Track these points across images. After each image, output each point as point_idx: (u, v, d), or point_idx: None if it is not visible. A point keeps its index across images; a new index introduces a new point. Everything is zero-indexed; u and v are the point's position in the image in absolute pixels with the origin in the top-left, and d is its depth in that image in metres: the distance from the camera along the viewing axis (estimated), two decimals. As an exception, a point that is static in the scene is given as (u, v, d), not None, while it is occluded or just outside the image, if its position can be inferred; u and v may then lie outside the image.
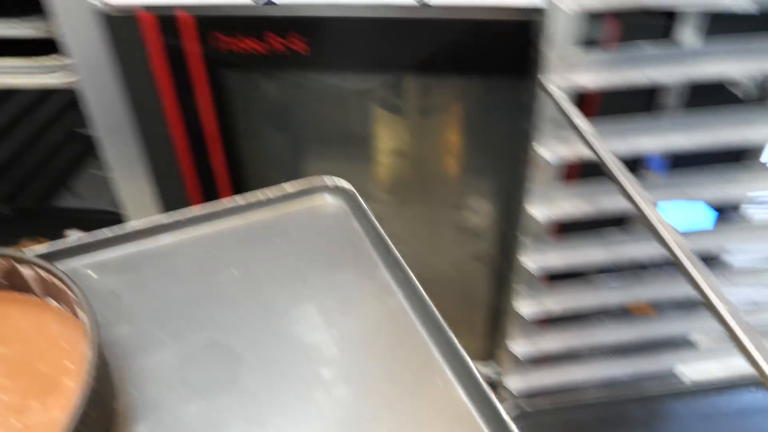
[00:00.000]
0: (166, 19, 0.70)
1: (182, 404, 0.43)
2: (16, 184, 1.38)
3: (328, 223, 0.58)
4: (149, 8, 0.70)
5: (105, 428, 0.39)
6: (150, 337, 0.48)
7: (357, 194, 0.59)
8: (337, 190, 0.61)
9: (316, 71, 0.75)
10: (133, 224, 0.55)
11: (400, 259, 0.51)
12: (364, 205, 0.58)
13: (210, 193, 0.85)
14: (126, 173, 0.87)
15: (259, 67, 0.73)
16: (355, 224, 0.58)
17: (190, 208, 0.57)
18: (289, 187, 0.60)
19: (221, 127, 0.79)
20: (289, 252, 0.55)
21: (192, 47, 0.72)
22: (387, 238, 0.54)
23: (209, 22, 0.70)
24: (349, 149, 0.84)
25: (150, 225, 0.56)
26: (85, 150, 1.56)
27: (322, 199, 0.61)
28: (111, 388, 0.42)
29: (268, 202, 0.60)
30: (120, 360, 0.45)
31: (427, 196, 0.86)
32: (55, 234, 1.47)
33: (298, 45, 0.71)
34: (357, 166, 0.85)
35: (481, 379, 0.41)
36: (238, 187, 0.84)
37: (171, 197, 0.87)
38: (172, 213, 0.57)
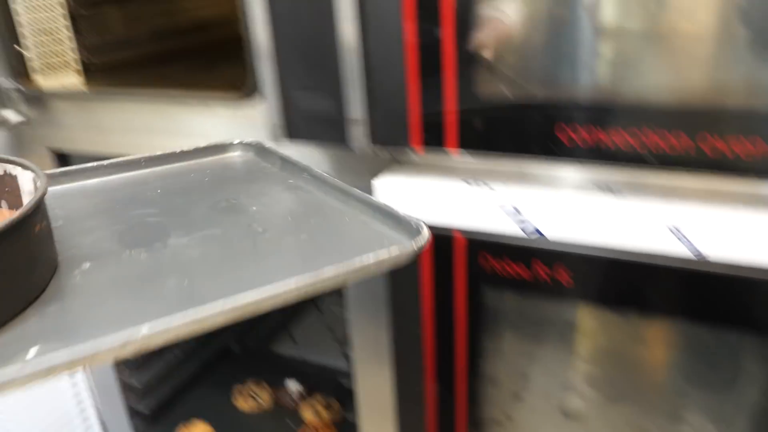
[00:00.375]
0: (442, 238, 0.75)
1: (122, 252, 0.49)
2: (247, 324, 1.47)
3: (239, 165, 0.70)
4: (429, 226, 0.72)
5: (49, 264, 0.45)
6: (84, 225, 0.54)
7: (265, 143, 0.70)
8: (247, 146, 0.72)
9: (576, 302, 0.76)
10: (60, 169, 0.63)
11: (310, 167, 0.62)
12: (273, 146, 0.68)
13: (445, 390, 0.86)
14: (368, 354, 0.95)
15: (519, 290, 0.76)
16: (264, 164, 0.69)
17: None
18: (202, 144, 0.71)
19: (470, 339, 0.81)
20: (206, 180, 0.65)
21: (460, 263, 0.76)
22: (294, 159, 0.64)
23: (481, 245, 0.74)
24: (558, 338, 0.83)
25: (73, 169, 0.64)
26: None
27: (234, 152, 0.72)
28: (52, 239, 0.47)
29: (183, 155, 0.69)
30: (58, 240, 0.49)
31: (638, 400, 0.81)
32: (277, 380, 1.55)
33: (563, 277, 0.72)
34: (566, 356, 0.83)
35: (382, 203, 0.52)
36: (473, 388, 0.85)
37: (407, 387, 0.88)
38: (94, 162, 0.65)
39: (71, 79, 1.20)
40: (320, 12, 0.74)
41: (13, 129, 1.21)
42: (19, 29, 1.13)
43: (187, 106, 0.99)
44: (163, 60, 1.41)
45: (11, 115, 1.17)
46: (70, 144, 1.17)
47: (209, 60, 1.49)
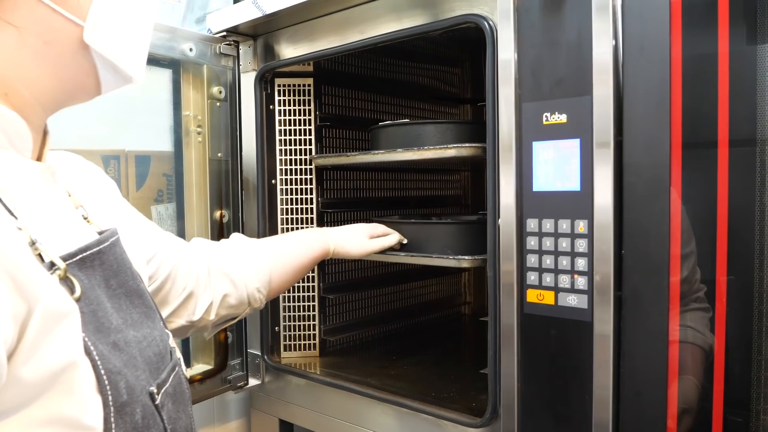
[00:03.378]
0: None
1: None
2: None
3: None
4: None
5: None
6: None
7: None
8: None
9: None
10: None
11: None
12: None
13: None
14: None
15: None
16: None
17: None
18: None
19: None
20: None
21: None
22: None
23: None
24: None
25: None
26: None
27: None
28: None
29: None
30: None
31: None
32: None
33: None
34: None
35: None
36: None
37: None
38: None
39: (310, 354, 1.33)
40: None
41: (252, 392, 1.34)
42: (282, 314, 1.31)
43: (418, 416, 1.04)
44: (389, 339, 1.53)
45: (253, 381, 1.31)
46: (296, 418, 1.26)
47: (433, 336, 1.58)
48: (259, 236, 1.27)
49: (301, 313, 1.33)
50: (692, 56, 0.71)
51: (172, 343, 0.63)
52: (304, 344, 1.34)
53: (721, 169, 0.70)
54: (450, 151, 1.06)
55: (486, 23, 0.89)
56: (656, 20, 0.71)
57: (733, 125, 0.70)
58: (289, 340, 1.33)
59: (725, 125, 0.70)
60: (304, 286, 1.33)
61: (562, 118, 0.79)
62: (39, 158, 0.56)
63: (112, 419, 0.47)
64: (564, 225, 0.80)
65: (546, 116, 0.81)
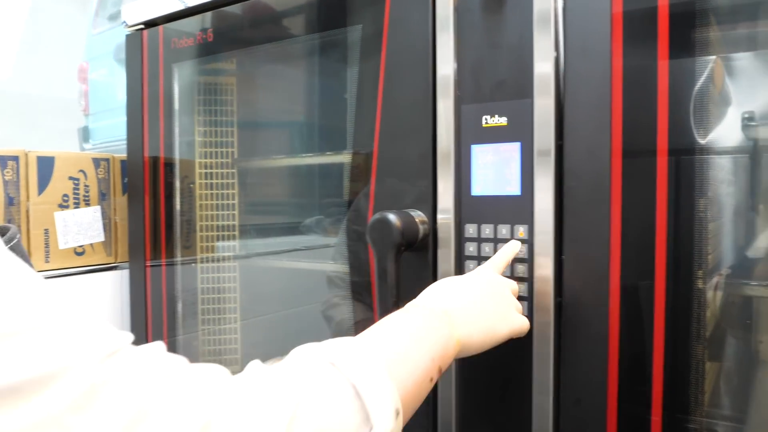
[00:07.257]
0: None
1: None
2: None
3: None
4: None
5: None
6: None
7: None
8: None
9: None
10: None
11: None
12: None
13: None
14: None
15: None
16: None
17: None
18: None
19: None
20: None
21: None
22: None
23: None
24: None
25: None
26: None
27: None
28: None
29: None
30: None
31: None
32: None
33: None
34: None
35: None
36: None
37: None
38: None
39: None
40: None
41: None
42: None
43: None
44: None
45: None
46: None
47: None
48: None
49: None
50: (632, 65, 0.71)
51: None
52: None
53: (660, 175, 0.71)
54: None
55: (423, 24, 0.87)
56: (597, 25, 0.71)
57: (672, 133, 0.70)
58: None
59: (664, 133, 0.70)
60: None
61: (503, 120, 0.78)
62: None
63: None
64: (503, 230, 0.78)
65: (486, 119, 0.79)
